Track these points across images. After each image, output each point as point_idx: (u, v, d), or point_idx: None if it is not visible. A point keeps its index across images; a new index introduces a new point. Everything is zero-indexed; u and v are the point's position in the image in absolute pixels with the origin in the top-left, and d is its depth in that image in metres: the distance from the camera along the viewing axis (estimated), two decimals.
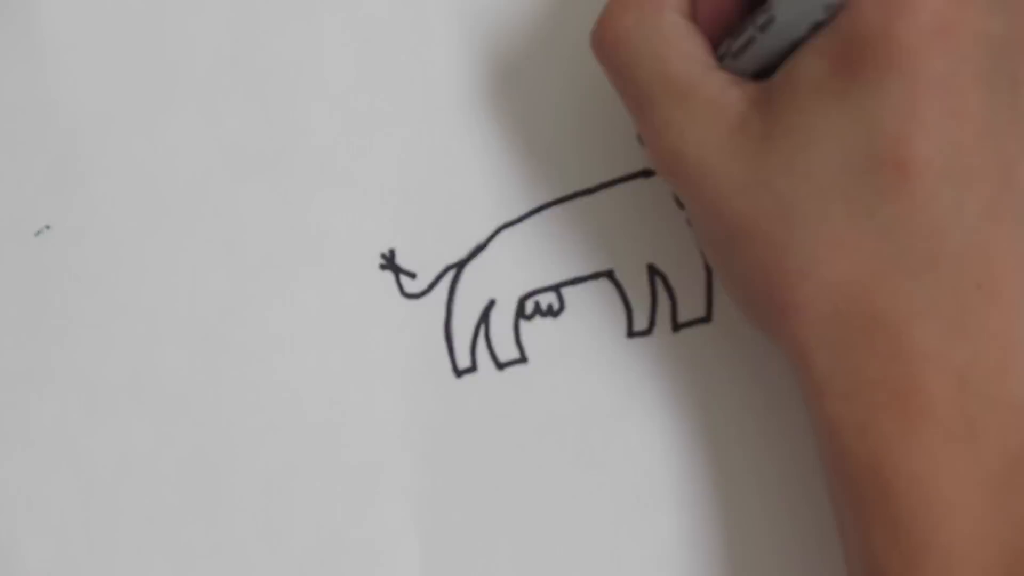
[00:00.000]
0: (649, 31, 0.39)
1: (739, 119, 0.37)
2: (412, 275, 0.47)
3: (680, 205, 0.43)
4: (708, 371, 0.45)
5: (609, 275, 0.46)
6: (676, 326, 0.46)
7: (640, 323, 0.46)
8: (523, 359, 0.46)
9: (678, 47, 0.38)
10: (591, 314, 0.46)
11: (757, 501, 0.44)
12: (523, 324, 0.46)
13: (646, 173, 0.46)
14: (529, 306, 0.46)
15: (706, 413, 0.45)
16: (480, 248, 0.46)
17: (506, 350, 0.46)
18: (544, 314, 0.46)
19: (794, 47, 0.37)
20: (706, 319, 0.46)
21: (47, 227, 0.47)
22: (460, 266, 0.46)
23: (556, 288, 0.46)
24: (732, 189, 0.37)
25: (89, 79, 0.47)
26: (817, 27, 0.36)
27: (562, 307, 0.46)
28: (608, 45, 0.39)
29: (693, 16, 0.39)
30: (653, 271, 0.46)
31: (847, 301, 0.36)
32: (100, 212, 0.47)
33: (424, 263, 0.47)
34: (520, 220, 0.46)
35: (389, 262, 0.47)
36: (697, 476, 0.45)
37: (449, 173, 0.46)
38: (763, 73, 0.38)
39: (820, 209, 0.36)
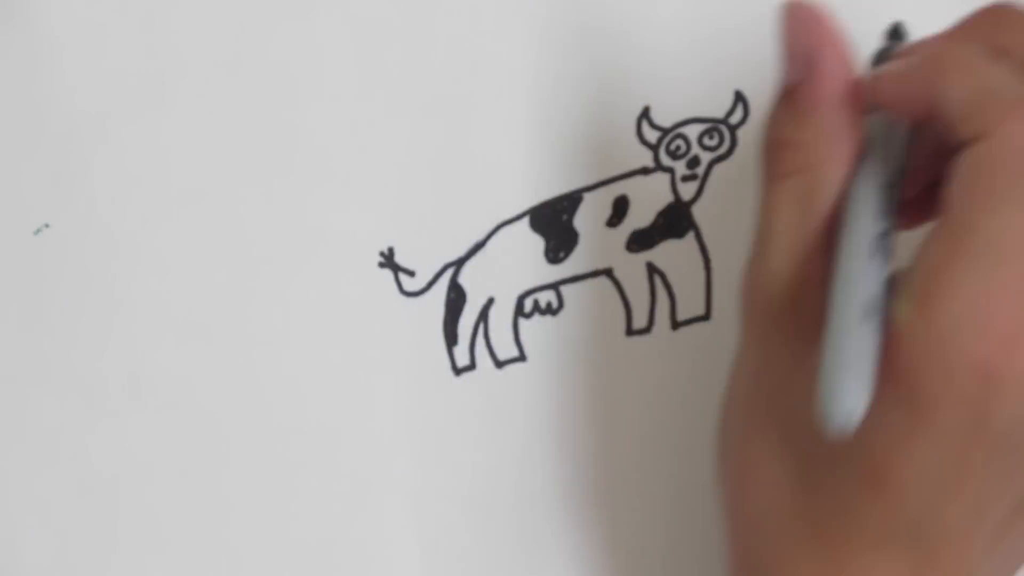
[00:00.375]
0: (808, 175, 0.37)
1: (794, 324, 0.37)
2: (411, 273, 0.46)
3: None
4: (707, 369, 0.45)
5: (608, 273, 0.46)
6: (675, 324, 0.46)
7: (639, 321, 0.46)
8: (522, 357, 0.46)
9: (807, 219, 0.37)
10: (590, 312, 0.46)
11: None
12: (522, 322, 0.46)
13: (645, 170, 0.46)
14: (528, 304, 0.46)
15: (705, 410, 0.45)
16: (479, 246, 0.46)
17: (505, 348, 0.46)
18: (543, 312, 0.46)
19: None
20: (705, 317, 0.46)
21: (46, 226, 0.47)
22: (459, 264, 0.46)
23: (555, 286, 0.46)
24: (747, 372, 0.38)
25: (88, 78, 0.47)
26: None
27: (561, 305, 0.46)
28: (768, 147, 0.38)
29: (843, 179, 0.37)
30: (652, 269, 0.46)
31: None
32: (99, 211, 0.47)
33: (423, 261, 0.46)
34: (519, 218, 0.46)
35: (388, 260, 0.47)
36: (697, 474, 0.45)
37: (448, 171, 0.46)
38: None
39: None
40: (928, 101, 0.35)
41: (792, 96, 0.37)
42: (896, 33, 0.39)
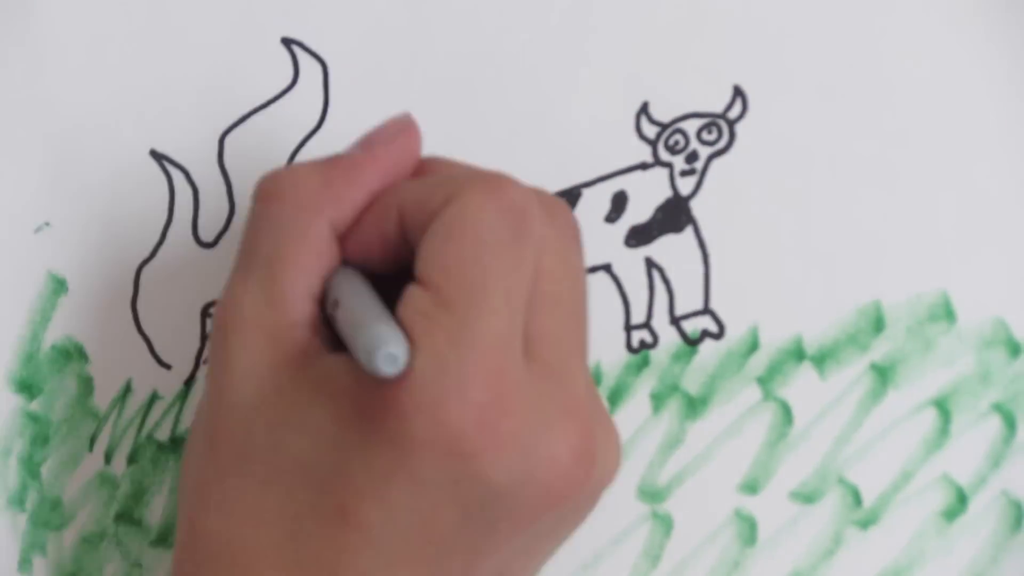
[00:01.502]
0: (296, 220, 0.38)
1: (278, 360, 0.37)
2: None
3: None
4: (706, 364, 0.45)
5: (607, 268, 0.46)
6: (674, 319, 0.46)
7: (638, 316, 0.46)
8: None
9: (304, 254, 0.37)
10: (589, 307, 0.46)
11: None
12: None
13: (644, 166, 0.46)
14: None
15: (704, 405, 0.45)
16: None
17: None
18: None
19: None
20: (704, 312, 0.46)
21: (46, 224, 0.47)
22: None
23: None
24: (229, 405, 0.37)
25: (88, 77, 0.47)
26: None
27: None
28: (262, 197, 0.38)
29: (345, 228, 0.39)
30: (651, 264, 0.46)
31: None
32: (99, 209, 0.47)
33: None
34: None
35: None
36: (696, 473, 0.45)
37: None
38: None
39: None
40: (391, 215, 0.38)
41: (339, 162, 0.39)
42: None
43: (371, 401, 0.35)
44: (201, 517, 0.37)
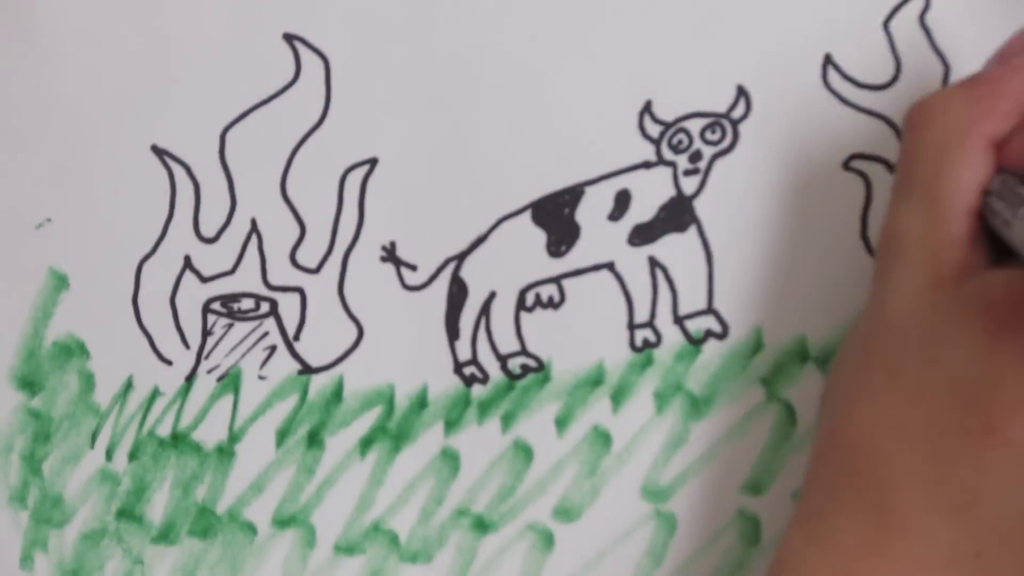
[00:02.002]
0: (951, 141, 0.38)
1: (938, 278, 0.37)
2: (413, 267, 0.46)
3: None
4: (709, 364, 0.45)
5: (610, 267, 0.46)
6: (677, 318, 0.46)
7: (641, 315, 0.46)
8: (524, 351, 0.46)
9: (962, 171, 0.37)
10: (592, 306, 0.46)
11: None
12: (524, 316, 0.46)
13: (647, 164, 0.46)
14: (530, 298, 0.46)
15: (707, 405, 0.45)
16: (481, 240, 0.46)
17: (507, 342, 0.46)
18: (545, 306, 0.46)
19: None
20: (707, 311, 0.46)
21: (48, 220, 0.47)
22: (461, 258, 0.46)
23: (557, 280, 0.46)
24: (887, 322, 0.37)
25: (90, 73, 0.47)
26: None
27: (563, 299, 0.46)
28: (914, 126, 0.39)
29: (1001, 138, 0.38)
30: (654, 263, 0.46)
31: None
32: (101, 205, 0.47)
33: (425, 255, 0.46)
34: (521, 212, 0.46)
35: (390, 254, 0.47)
36: (699, 472, 0.45)
37: (450, 165, 0.46)
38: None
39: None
40: None
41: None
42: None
43: None
44: (845, 429, 0.37)
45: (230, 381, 0.47)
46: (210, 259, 0.47)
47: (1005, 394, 0.34)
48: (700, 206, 0.46)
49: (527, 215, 0.46)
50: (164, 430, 0.47)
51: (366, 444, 0.46)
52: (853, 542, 0.36)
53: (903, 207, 0.38)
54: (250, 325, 0.47)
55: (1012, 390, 0.34)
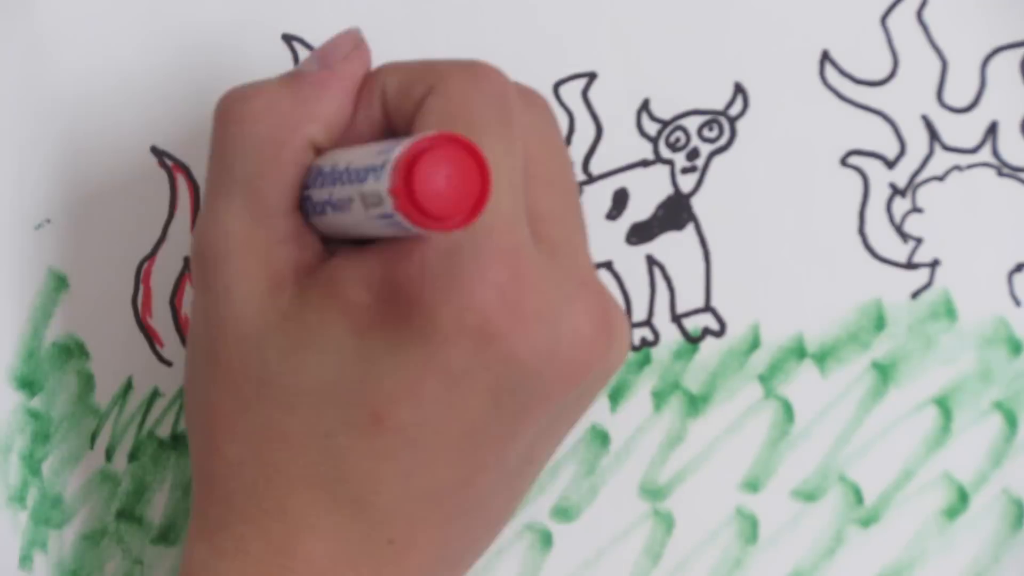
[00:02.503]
0: (276, 140, 0.38)
1: (281, 277, 0.37)
2: None
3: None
4: (707, 362, 0.45)
5: (608, 266, 0.46)
6: (675, 316, 0.46)
7: (639, 313, 0.46)
8: None
9: (288, 168, 0.37)
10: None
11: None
12: None
13: (644, 162, 0.46)
14: None
15: (705, 403, 0.45)
16: None
17: None
18: None
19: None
20: (705, 309, 0.45)
21: (47, 221, 0.47)
22: None
23: None
24: (236, 335, 0.37)
25: (88, 73, 0.47)
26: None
27: None
28: (234, 120, 0.38)
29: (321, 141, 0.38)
30: (652, 261, 0.46)
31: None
32: (100, 206, 0.47)
33: None
34: None
35: None
36: (697, 471, 0.45)
37: None
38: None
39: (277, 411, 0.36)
40: (374, 100, 0.38)
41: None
42: None
43: (391, 304, 0.35)
44: (227, 447, 0.37)
45: None
46: None
47: (384, 386, 0.35)
48: (698, 204, 0.46)
49: None
50: (164, 431, 0.47)
51: None
52: (262, 548, 0.36)
53: (222, 207, 0.38)
54: None
55: (389, 380, 0.35)
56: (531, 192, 0.37)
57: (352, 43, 0.40)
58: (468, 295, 0.34)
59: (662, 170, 0.46)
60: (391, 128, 0.38)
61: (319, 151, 0.38)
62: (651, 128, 0.46)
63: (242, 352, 0.37)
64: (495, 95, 0.36)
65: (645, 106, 0.46)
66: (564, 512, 0.45)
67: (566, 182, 0.38)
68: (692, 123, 0.46)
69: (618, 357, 0.38)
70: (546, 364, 0.35)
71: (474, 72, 0.37)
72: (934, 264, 0.45)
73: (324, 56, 0.39)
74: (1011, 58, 0.45)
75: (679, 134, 0.46)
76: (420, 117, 0.36)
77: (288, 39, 0.47)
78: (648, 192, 0.46)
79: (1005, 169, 0.45)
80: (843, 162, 0.45)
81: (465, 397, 0.35)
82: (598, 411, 0.45)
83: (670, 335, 0.46)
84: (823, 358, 0.45)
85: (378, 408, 0.35)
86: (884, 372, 0.45)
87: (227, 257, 0.37)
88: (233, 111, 0.38)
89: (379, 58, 0.47)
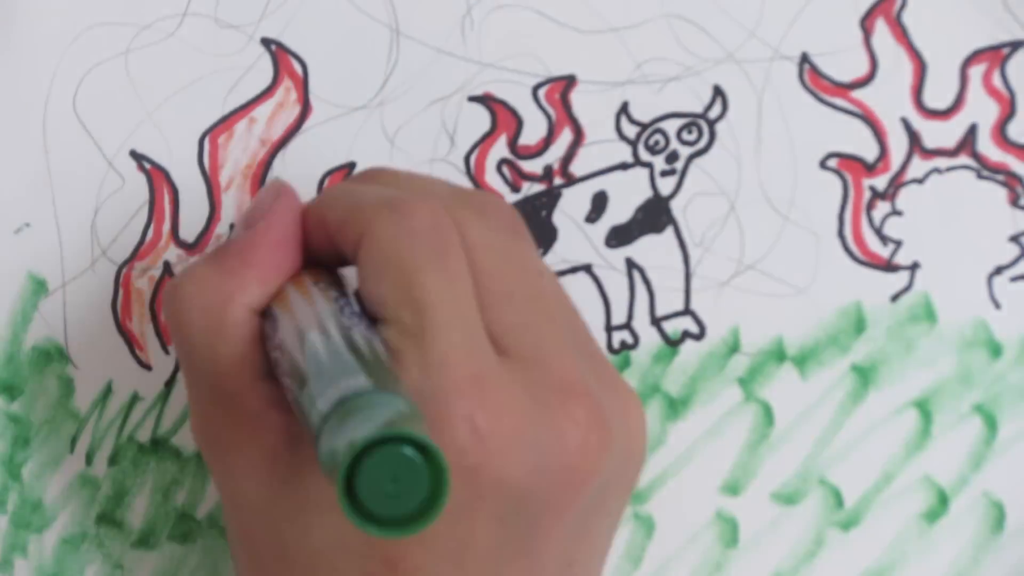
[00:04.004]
0: (213, 320, 0.38)
1: (272, 447, 0.37)
2: None
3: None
4: (686, 365, 0.45)
5: (587, 269, 0.46)
6: (654, 319, 0.46)
7: (618, 317, 0.46)
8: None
9: (234, 347, 0.37)
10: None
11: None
12: None
13: (623, 166, 0.46)
14: None
15: (685, 406, 0.45)
16: None
17: None
18: None
19: None
20: (684, 312, 0.45)
21: (27, 225, 0.47)
22: None
23: None
24: (247, 508, 0.37)
25: (68, 77, 0.47)
26: None
27: None
28: (171, 311, 0.38)
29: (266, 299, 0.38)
30: (631, 264, 0.46)
31: None
32: (79, 210, 0.47)
33: None
34: None
35: None
36: (677, 474, 0.45)
37: (429, 167, 0.46)
38: None
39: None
40: (324, 232, 0.38)
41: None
42: None
43: None
44: None
45: None
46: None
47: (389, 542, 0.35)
48: (677, 207, 0.46)
49: None
50: (144, 435, 0.47)
51: None
52: None
53: (194, 396, 0.38)
54: None
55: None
56: (491, 309, 0.36)
57: (274, 194, 0.39)
58: (439, 436, 0.34)
59: (641, 173, 0.46)
60: (339, 253, 0.38)
61: (265, 311, 0.38)
62: (630, 131, 0.46)
63: (255, 523, 0.37)
64: (425, 229, 0.36)
65: (624, 109, 0.46)
66: None
67: (529, 288, 0.38)
68: (671, 126, 0.46)
69: (629, 449, 0.37)
70: (538, 479, 0.35)
71: (400, 211, 0.36)
72: (914, 267, 0.45)
73: (247, 217, 0.39)
74: (990, 61, 0.45)
75: (658, 137, 0.46)
76: (358, 271, 0.36)
77: (267, 43, 0.47)
78: (627, 195, 0.46)
79: (984, 172, 0.45)
80: (822, 165, 0.45)
81: (471, 530, 0.35)
82: None
83: (650, 338, 0.45)
84: (803, 361, 0.45)
85: (390, 554, 0.35)
86: (864, 375, 0.45)
87: (216, 443, 0.38)
88: (169, 301, 0.38)
89: (356, 61, 0.47)
